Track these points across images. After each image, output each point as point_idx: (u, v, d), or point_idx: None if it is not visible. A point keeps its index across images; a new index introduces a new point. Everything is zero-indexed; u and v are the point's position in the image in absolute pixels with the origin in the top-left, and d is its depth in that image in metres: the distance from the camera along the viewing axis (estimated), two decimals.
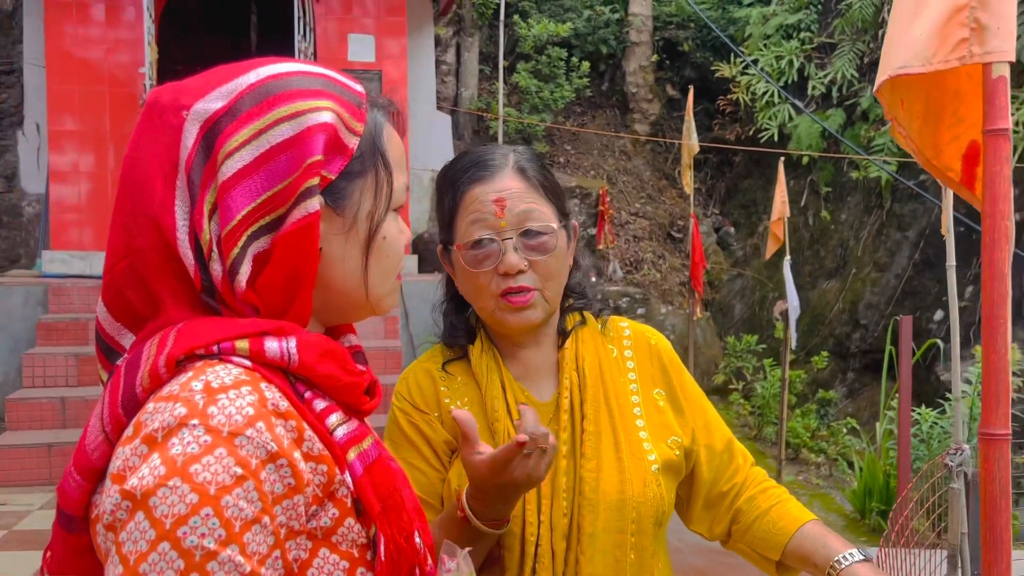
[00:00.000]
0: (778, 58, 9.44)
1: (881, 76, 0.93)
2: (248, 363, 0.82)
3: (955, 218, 2.87)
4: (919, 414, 5.26)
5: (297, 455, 0.80)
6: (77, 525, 0.84)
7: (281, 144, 0.84)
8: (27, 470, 5.46)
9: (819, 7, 9.87)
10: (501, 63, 8.86)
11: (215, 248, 0.84)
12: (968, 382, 5.18)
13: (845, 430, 6.68)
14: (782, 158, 6.12)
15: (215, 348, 0.82)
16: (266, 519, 0.76)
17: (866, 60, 9.12)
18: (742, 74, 9.92)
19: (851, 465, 6.07)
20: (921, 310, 7.73)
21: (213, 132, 0.84)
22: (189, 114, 0.85)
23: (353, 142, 0.90)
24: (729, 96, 10.11)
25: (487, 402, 1.36)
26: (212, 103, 0.85)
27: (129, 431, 0.79)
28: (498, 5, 9.42)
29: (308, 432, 0.82)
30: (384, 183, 0.93)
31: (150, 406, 0.79)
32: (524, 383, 1.40)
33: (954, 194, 2.25)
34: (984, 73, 0.90)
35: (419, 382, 1.42)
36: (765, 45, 9.79)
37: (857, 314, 8.90)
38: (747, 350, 8.22)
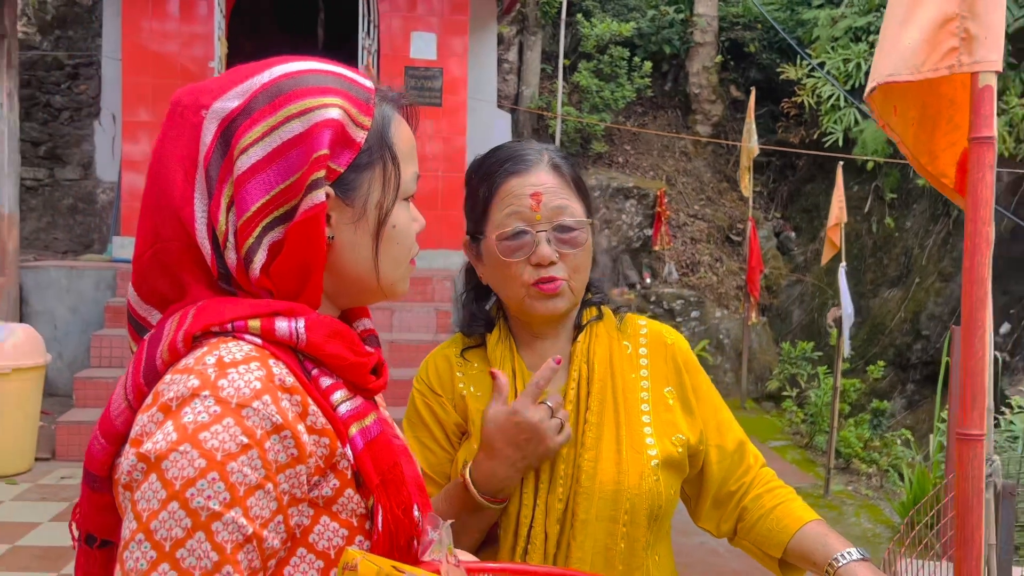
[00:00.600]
0: (845, 61, 9.27)
1: (871, 83, 0.96)
2: (259, 341, 0.89)
3: None
4: None
5: (301, 428, 0.86)
6: (101, 484, 0.92)
7: (291, 140, 0.90)
8: None
9: None
10: (561, 62, 8.89)
11: (230, 238, 0.91)
12: None
13: (899, 441, 6.56)
14: (841, 163, 6.03)
15: (229, 326, 0.89)
16: (269, 486, 0.83)
17: None
18: (808, 76, 9.77)
19: (902, 477, 5.96)
20: None
21: (229, 130, 0.91)
22: (208, 113, 0.91)
23: (360, 136, 0.95)
24: (794, 99, 9.97)
25: None
26: (229, 102, 0.92)
27: (148, 400, 0.86)
28: (561, 4, 9.46)
29: (313, 407, 0.88)
30: (392, 174, 0.98)
31: (167, 377, 0.86)
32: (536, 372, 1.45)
33: None
34: (972, 82, 0.92)
35: (437, 367, 1.48)
36: (833, 47, 9.62)
37: (919, 324, 8.70)
38: (802, 357, 8.11)
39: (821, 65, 9.35)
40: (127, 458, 0.84)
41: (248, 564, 0.81)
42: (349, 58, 9.35)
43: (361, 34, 7.64)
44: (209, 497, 0.80)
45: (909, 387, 8.62)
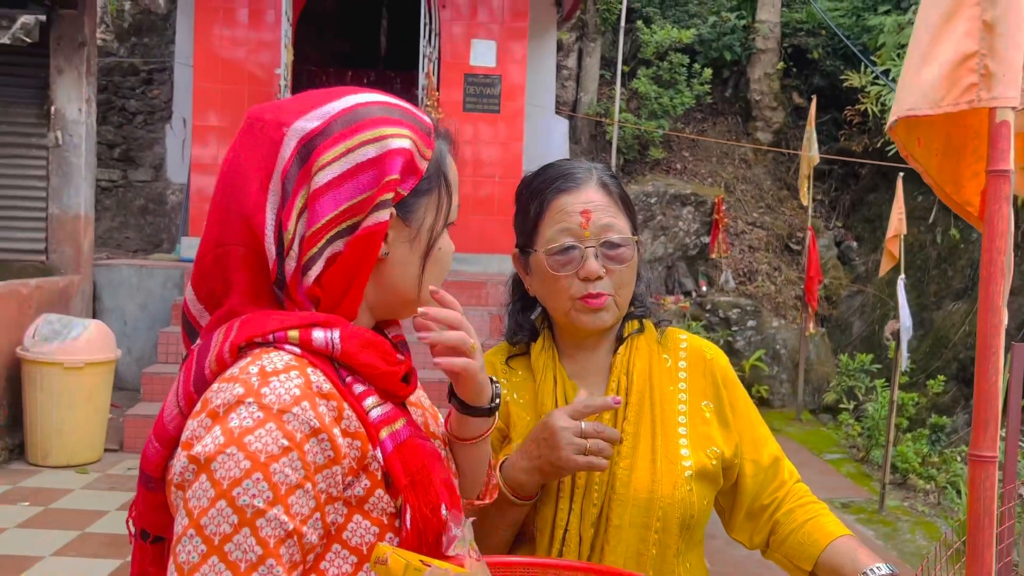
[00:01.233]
0: None
1: (893, 117, 1.00)
2: (298, 350, 0.97)
3: None
4: None
5: (336, 431, 0.94)
6: (155, 485, 1.01)
7: (365, 163, 1.00)
8: None
9: None
10: (619, 68, 8.90)
11: (295, 247, 0.99)
12: None
13: (959, 458, 6.42)
14: (902, 173, 5.94)
15: (271, 337, 0.97)
16: (308, 485, 0.90)
17: None
18: (872, 84, 9.61)
19: (960, 494, 5.84)
20: None
21: (308, 147, 0.99)
22: (289, 130, 1.00)
23: (424, 165, 1.05)
24: (857, 106, 9.81)
25: (539, 396, 1.49)
26: (309, 122, 1.01)
27: (198, 407, 0.95)
28: (621, 11, 9.47)
29: (347, 411, 0.96)
30: (444, 202, 1.09)
31: (215, 386, 0.95)
32: (578, 381, 1.51)
33: None
34: (990, 117, 0.95)
35: None
36: (898, 55, 9.45)
37: None
38: (860, 369, 7.98)
39: (886, 72, 9.19)
40: (179, 460, 0.92)
41: (289, 558, 0.89)
42: (410, 65, 9.46)
43: (422, 42, 7.77)
44: (254, 496, 0.87)
45: (972, 403, 8.42)
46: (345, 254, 1.00)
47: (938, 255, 9.40)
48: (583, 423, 1.34)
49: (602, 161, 9.67)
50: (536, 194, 1.48)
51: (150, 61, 9.99)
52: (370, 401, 0.99)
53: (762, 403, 8.61)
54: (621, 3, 9.48)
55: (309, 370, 0.95)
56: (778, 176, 10.78)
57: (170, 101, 9.40)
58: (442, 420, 1.22)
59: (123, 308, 7.19)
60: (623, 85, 9.89)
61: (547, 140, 9.19)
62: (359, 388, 0.99)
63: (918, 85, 0.97)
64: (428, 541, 0.98)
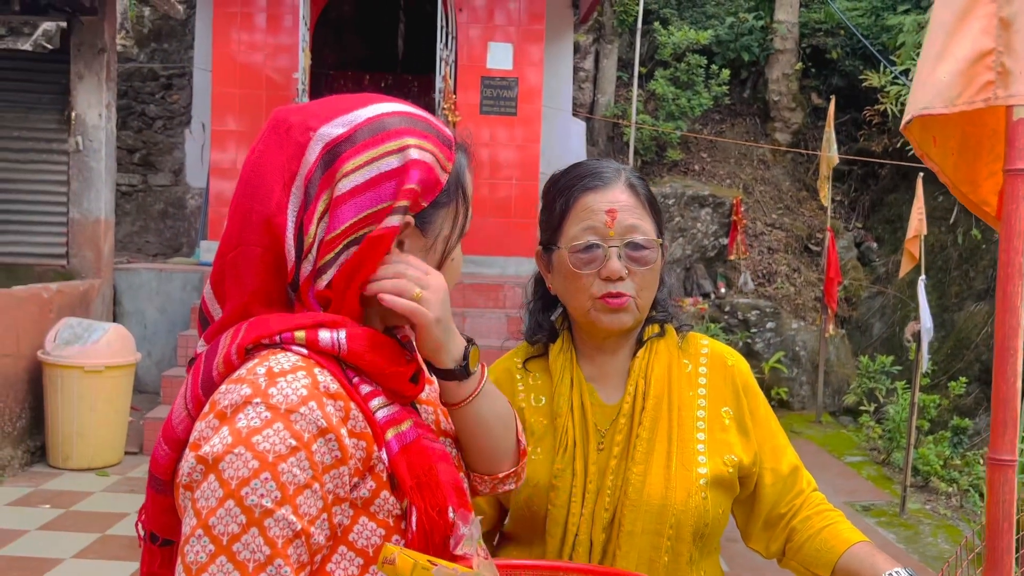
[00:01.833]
0: None
1: (907, 116, 0.98)
2: (305, 351, 0.97)
3: None
4: None
5: (344, 431, 0.94)
6: (164, 488, 1.01)
7: (387, 173, 1.00)
8: None
9: None
10: (636, 70, 8.88)
11: (314, 250, 1.00)
12: None
13: (981, 460, 6.34)
14: (921, 174, 5.88)
15: (277, 338, 0.97)
16: (316, 485, 0.90)
17: None
18: (892, 84, 9.53)
19: (983, 497, 5.77)
20: None
21: (333, 153, 1.00)
22: (315, 135, 1.01)
23: (444, 178, 1.06)
24: (877, 107, 9.74)
25: (555, 398, 1.47)
26: (335, 129, 1.01)
27: (206, 408, 0.95)
28: (638, 12, 9.45)
29: (354, 412, 0.96)
30: (461, 214, 1.10)
31: (223, 387, 0.95)
32: (595, 384, 1.50)
33: None
34: (1007, 115, 0.94)
35: (497, 381, 1.54)
36: (918, 54, 9.36)
37: None
38: (881, 371, 7.90)
39: (905, 72, 9.11)
40: (187, 461, 0.92)
41: (297, 558, 0.89)
42: (427, 69, 9.49)
43: (439, 45, 7.79)
44: (262, 495, 0.87)
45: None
46: (356, 253, 1.00)
47: (959, 256, 9.30)
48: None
49: (620, 163, 9.66)
50: (563, 191, 1.47)
51: (169, 66, 10.07)
52: (376, 402, 0.99)
53: (782, 405, 8.55)
54: (638, 5, 9.45)
55: (316, 370, 0.95)
56: (797, 177, 10.71)
57: (189, 106, 9.47)
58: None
59: (143, 312, 7.25)
60: (640, 87, 9.86)
61: (564, 142, 9.18)
62: (366, 388, 0.99)
63: (933, 83, 0.95)
64: (435, 543, 0.97)
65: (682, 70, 10.08)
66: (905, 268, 5.87)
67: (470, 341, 1.10)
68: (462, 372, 1.08)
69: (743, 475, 1.47)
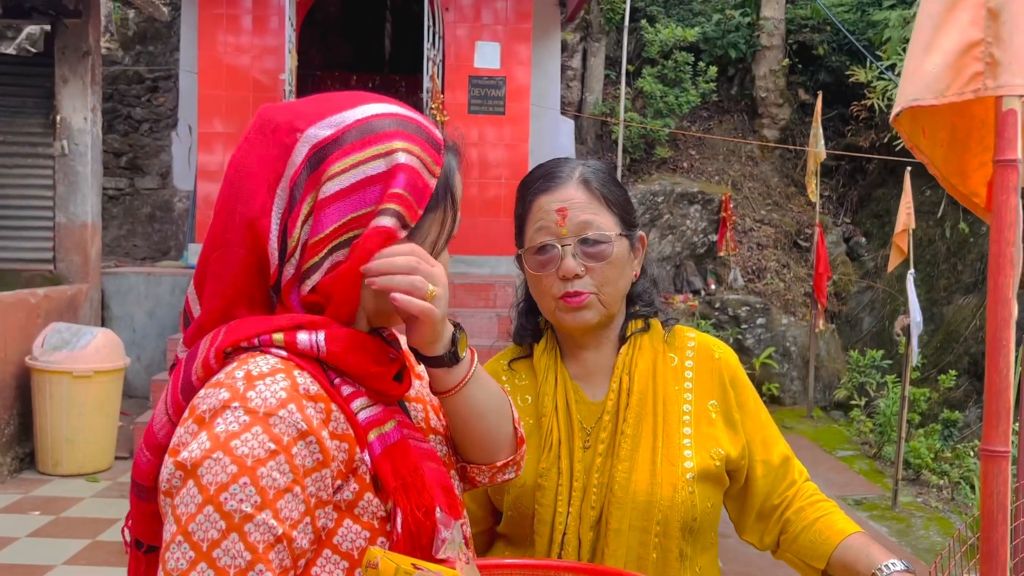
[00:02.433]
0: None
1: (896, 108, 0.98)
2: (284, 353, 0.95)
3: None
4: None
5: (325, 433, 0.92)
6: (147, 494, 0.99)
7: (373, 176, 0.98)
8: None
9: None
10: (624, 68, 8.88)
11: (297, 253, 0.98)
12: None
13: (971, 453, 6.37)
14: (909, 168, 5.91)
15: (256, 341, 0.96)
16: (297, 489, 0.89)
17: None
18: (879, 79, 9.56)
19: (974, 489, 5.80)
20: None
21: (319, 155, 0.98)
22: (302, 136, 0.99)
23: (432, 182, 1.03)
24: (864, 102, 9.77)
25: (539, 398, 1.47)
26: (322, 130, 0.99)
27: (185, 413, 0.94)
28: (625, 10, 9.46)
29: (336, 413, 0.95)
30: (449, 218, 1.07)
31: (202, 392, 0.94)
32: (580, 383, 1.49)
33: None
34: (996, 106, 0.93)
35: None
36: (904, 49, 9.40)
37: None
38: (871, 365, 7.93)
39: (892, 67, 9.15)
40: (167, 467, 0.90)
41: (279, 563, 0.88)
42: (415, 69, 9.47)
43: (426, 45, 7.77)
44: (241, 500, 0.86)
45: (984, 397, 8.36)
46: (350, 256, 0.98)
47: (947, 249, 9.35)
48: None
49: (608, 161, 9.67)
50: (523, 195, 1.49)
51: (155, 69, 10.01)
52: (358, 403, 0.98)
53: (773, 401, 8.57)
54: (625, 3, 9.46)
55: (295, 372, 0.94)
56: (785, 173, 10.74)
57: (175, 108, 9.43)
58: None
59: (132, 316, 7.21)
60: (628, 84, 9.87)
61: (553, 141, 9.17)
62: (347, 389, 0.97)
63: (922, 75, 0.95)
64: (422, 544, 0.96)
65: (669, 67, 10.09)
66: (894, 262, 5.89)
67: (457, 326, 1.08)
68: (451, 359, 1.06)
69: (731, 468, 1.46)
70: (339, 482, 0.94)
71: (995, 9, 0.93)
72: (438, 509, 0.97)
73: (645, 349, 1.49)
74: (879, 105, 9.51)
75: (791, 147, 10.59)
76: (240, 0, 8.14)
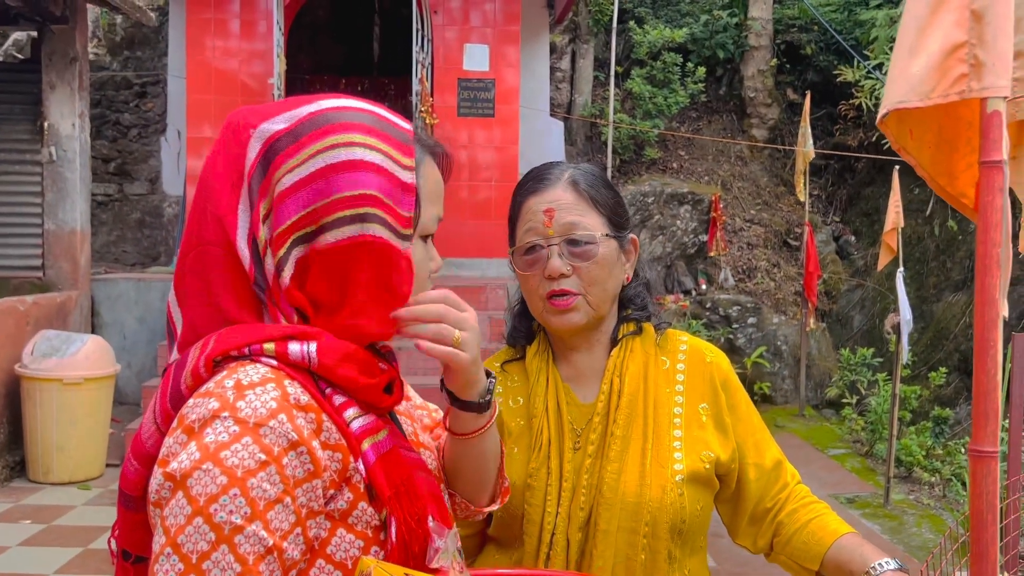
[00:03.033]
0: None
1: (883, 110, 0.99)
2: (275, 363, 0.94)
3: None
4: None
5: (316, 444, 0.92)
6: (135, 504, 0.99)
7: (330, 167, 0.97)
8: None
9: None
10: (612, 69, 8.89)
11: (268, 248, 0.98)
12: None
13: (963, 450, 6.40)
14: (897, 167, 5.93)
15: (246, 350, 0.95)
16: (288, 500, 0.88)
17: None
18: (866, 78, 9.60)
19: (966, 486, 5.82)
20: None
21: (272, 149, 0.98)
22: (255, 132, 0.99)
23: (408, 176, 1.01)
24: (852, 101, 9.81)
25: (531, 399, 1.48)
26: (275, 124, 0.99)
27: (174, 423, 0.93)
28: (613, 12, 9.47)
29: (327, 423, 0.94)
30: (415, 212, 1.04)
31: (191, 401, 0.93)
32: (572, 384, 1.50)
33: None
34: (981, 107, 0.94)
35: None
36: (891, 48, 9.41)
37: None
38: (862, 363, 7.96)
39: (879, 67, 9.19)
40: (156, 477, 0.89)
41: (269, 574, 0.87)
42: (404, 71, 9.43)
43: (415, 48, 7.76)
44: (231, 512, 0.85)
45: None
46: (320, 261, 0.97)
47: (936, 247, 9.39)
48: None
49: (598, 162, 9.68)
50: (513, 198, 1.51)
51: (143, 74, 9.98)
52: (351, 412, 0.97)
53: (765, 400, 8.59)
54: (613, 4, 9.48)
55: (286, 382, 0.93)
56: (774, 172, 10.78)
57: (164, 113, 9.39)
58: (437, 432, 1.20)
59: (122, 322, 7.17)
60: (617, 86, 9.89)
61: (543, 143, 9.18)
62: (339, 399, 0.97)
63: (907, 77, 0.96)
64: (414, 553, 0.96)
65: (658, 69, 10.12)
66: (883, 260, 5.92)
67: (488, 374, 1.11)
68: (484, 405, 1.09)
69: (721, 472, 1.47)
70: (332, 492, 0.94)
71: (979, 11, 0.94)
72: (430, 518, 0.97)
73: (636, 352, 1.49)
74: (867, 104, 9.55)
75: (780, 147, 10.62)
76: (228, 4, 8.12)
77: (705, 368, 1.52)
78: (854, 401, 7.80)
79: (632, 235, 1.52)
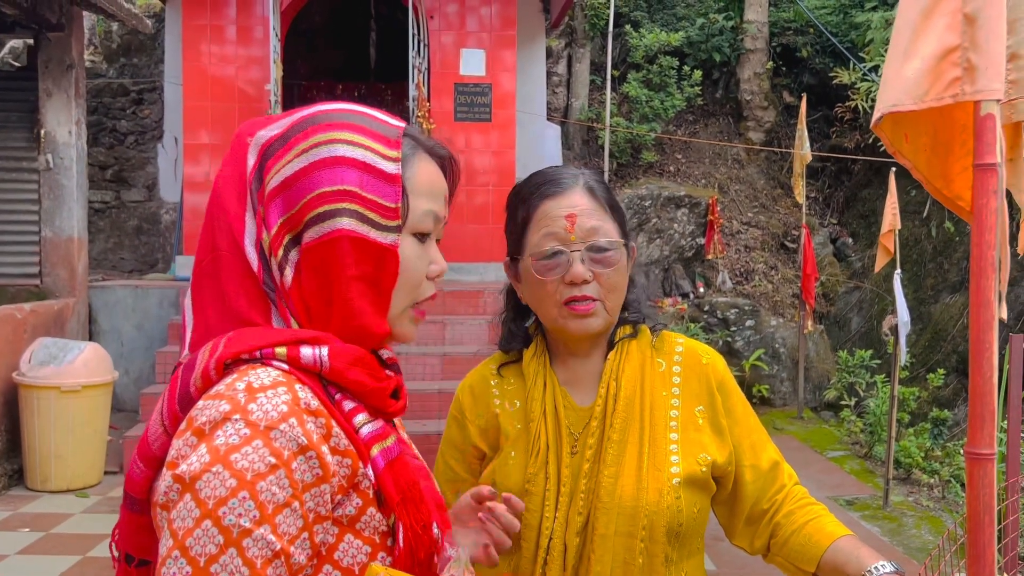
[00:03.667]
0: None
1: (877, 113, 0.99)
2: (286, 367, 0.95)
3: None
4: None
5: (325, 449, 0.92)
6: (140, 506, 0.98)
7: (312, 164, 0.98)
8: None
9: None
10: (609, 73, 8.90)
11: (271, 251, 0.99)
12: None
13: (961, 451, 6.40)
14: (894, 168, 5.94)
15: (258, 353, 0.95)
16: (296, 504, 0.88)
17: None
18: (862, 80, 9.63)
19: (964, 487, 5.82)
20: None
21: (266, 155, 1.00)
22: (252, 140, 1.01)
23: (392, 168, 1.01)
24: (848, 103, 9.83)
25: (528, 402, 1.47)
26: (270, 131, 1.02)
27: (183, 425, 0.93)
28: (610, 16, 9.50)
29: (336, 429, 0.94)
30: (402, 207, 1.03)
31: (200, 403, 0.93)
32: (569, 388, 1.50)
33: None
34: (974, 111, 0.94)
35: (473, 388, 1.55)
36: (887, 51, 9.45)
37: None
38: (860, 365, 7.96)
39: (875, 69, 9.21)
40: (164, 480, 0.89)
41: None
42: (401, 77, 9.44)
43: (412, 53, 7.77)
44: (240, 515, 0.85)
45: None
46: (304, 264, 0.98)
47: (933, 249, 9.40)
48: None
49: (595, 166, 9.69)
50: (523, 200, 1.48)
51: (139, 81, 9.98)
52: (360, 418, 0.98)
53: (763, 402, 8.59)
54: (609, 8, 9.49)
55: (297, 387, 0.94)
56: (771, 175, 10.79)
57: (161, 120, 9.39)
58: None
59: (119, 329, 7.16)
60: (613, 90, 9.90)
61: (540, 147, 9.19)
62: (348, 405, 0.97)
63: (901, 81, 0.96)
64: (420, 560, 0.96)
65: (654, 72, 10.13)
66: (880, 262, 5.92)
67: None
68: None
69: (718, 474, 1.47)
70: (340, 497, 0.94)
71: (971, 15, 0.94)
72: (434, 525, 0.97)
73: (633, 355, 1.49)
74: (863, 106, 9.57)
75: (777, 149, 10.64)
76: (224, 11, 8.13)
77: (701, 370, 1.52)
78: (852, 403, 7.80)
79: (632, 243, 1.53)
